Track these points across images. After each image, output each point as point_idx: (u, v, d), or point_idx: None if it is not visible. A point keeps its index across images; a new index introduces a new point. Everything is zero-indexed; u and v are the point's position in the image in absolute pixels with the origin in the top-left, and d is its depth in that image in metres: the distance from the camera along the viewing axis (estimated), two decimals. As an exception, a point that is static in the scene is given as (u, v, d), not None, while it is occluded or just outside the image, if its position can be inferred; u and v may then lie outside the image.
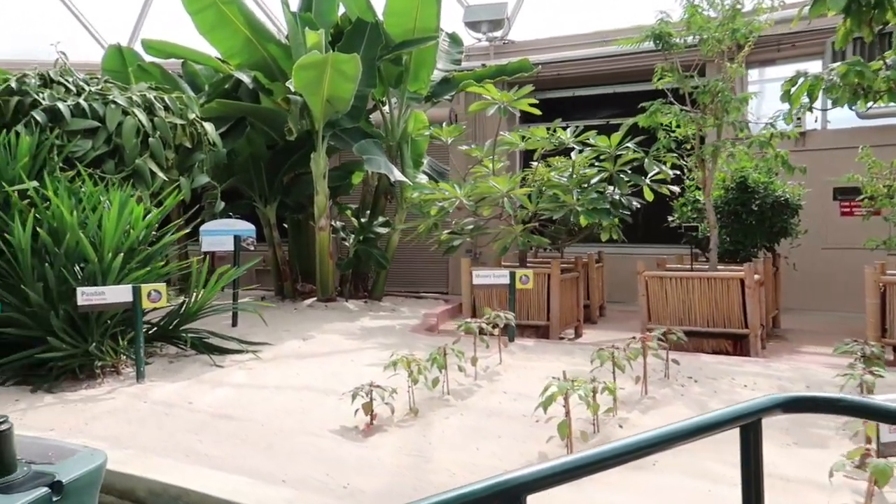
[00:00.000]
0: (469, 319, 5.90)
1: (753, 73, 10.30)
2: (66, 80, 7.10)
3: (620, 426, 4.17)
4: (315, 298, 9.58)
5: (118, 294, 5.35)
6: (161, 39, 10.22)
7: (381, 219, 10.36)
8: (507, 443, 3.99)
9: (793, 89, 5.44)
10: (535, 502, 1.39)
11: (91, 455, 2.38)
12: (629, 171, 7.94)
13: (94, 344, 5.45)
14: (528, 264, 8.25)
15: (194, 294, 6.28)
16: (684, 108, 7.01)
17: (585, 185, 7.79)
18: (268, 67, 9.74)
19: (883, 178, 7.17)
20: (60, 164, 6.25)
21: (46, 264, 5.39)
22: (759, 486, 1.74)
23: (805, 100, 5.50)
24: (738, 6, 6.82)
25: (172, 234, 6.36)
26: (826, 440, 3.83)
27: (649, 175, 7.77)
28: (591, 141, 7.94)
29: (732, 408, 1.70)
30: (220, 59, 10.13)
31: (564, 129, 8.35)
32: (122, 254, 5.60)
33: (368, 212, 10.44)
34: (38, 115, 6.45)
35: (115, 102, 6.90)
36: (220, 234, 7.99)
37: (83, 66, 9.01)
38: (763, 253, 8.13)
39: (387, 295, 10.30)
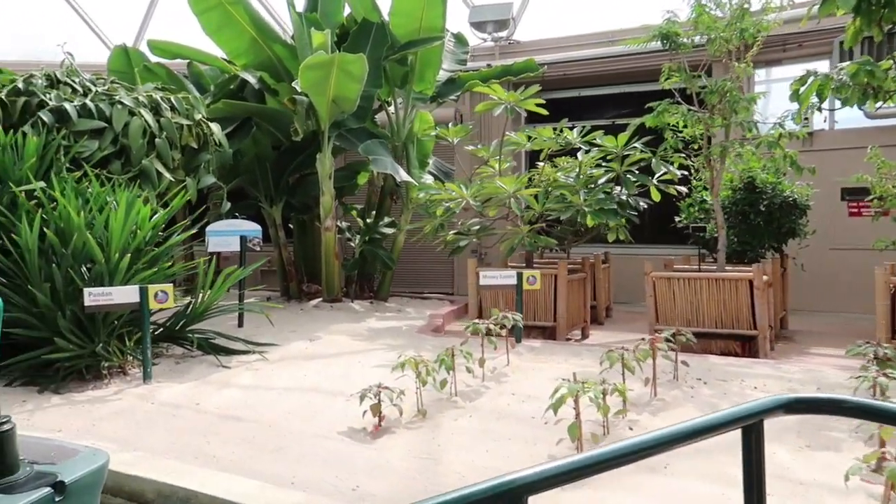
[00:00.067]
0: (477, 320, 5.87)
1: (760, 73, 10.26)
2: (73, 81, 7.10)
3: (630, 428, 4.14)
4: (321, 299, 9.57)
5: (125, 295, 5.35)
6: (167, 40, 10.23)
7: (386, 219, 10.35)
8: (516, 445, 3.97)
9: (802, 89, 5.40)
10: (550, 505, 1.37)
11: (93, 455, 2.38)
12: (636, 172, 7.91)
13: (100, 345, 5.45)
14: (534, 265, 8.22)
15: (201, 295, 6.27)
16: (692, 108, 6.98)
17: (592, 186, 7.76)
18: (273, 68, 9.73)
19: (892, 178, 7.13)
20: (67, 165, 6.25)
21: (53, 265, 5.38)
22: (760, 488, 1.73)
23: (814, 99, 5.47)
24: (746, 6, 6.78)
25: (179, 234, 6.36)
26: (839, 443, 3.80)
27: (656, 175, 7.74)
28: (598, 141, 7.90)
29: (734, 409, 1.69)
30: (225, 59, 10.13)
31: (571, 129, 8.32)
32: (129, 254, 5.59)
33: (374, 212, 10.43)
34: (45, 116, 6.45)
35: (121, 103, 6.90)
36: (227, 234, 7.99)
37: (89, 67, 9.01)
38: (771, 253, 8.09)
39: (392, 295, 10.28)
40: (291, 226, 10.76)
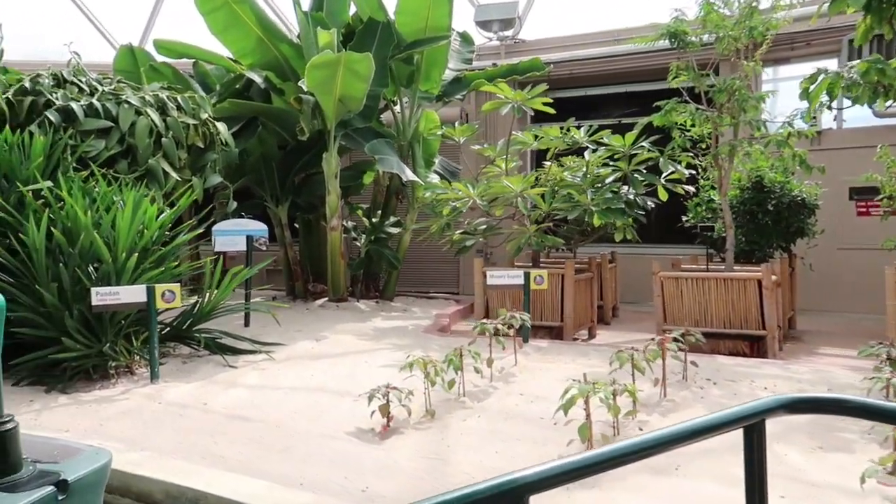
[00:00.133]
0: (485, 320, 5.84)
1: (767, 72, 10.20)
2: (80, 80, 7.10)
3: (640, 429, 4.11)
4: (326, 298, 9.56)
5: (132, 294, 5.34)
6: (172, 39, 10.23)
7: (392, 219, 10.33)
8: (525, 445, 3.94)
9: (812, 87, 5.36)
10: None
11: (96, 454, 2.38)
12: (644, 171, 7.87)
13: (107, 344, 5.44)
14: (540, 264, 8.19)
15: (207, 294, 6.27)
16: (700, 106, 6.94)
17: (599, 185, 7.72)
18: (279, 67, 9.72)
19: (903, 177, 7.08)
20: (74, 164, 6.25)
21: (61, 264, 5.37)
22: (762, 488, 1.72)
23: (824, 98, 5.43)
24: (755, 4, 6.74)
25: (185, 234, 6.35)
26: (851, 445, 3.76)
27: (664, 175, 7.70)
28: (606, 140, 7.87)
29: (735, 408, 1.68)
30: (231, 58, 10.12)
31: (578, 128, 8.29)
32: (136, 254, 5.59)
33: (380, 212, 10.41)
34: (52, 115, 6.45)
35: (128, 102, 6.89)
36: (233, 234, 7.98)
37: (94, 67, 9.01)
38: (779, 253, 8.05)
39: (397, 295, 10.27)
40: (297, 225, 10.76)
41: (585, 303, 7.95)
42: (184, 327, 6.26)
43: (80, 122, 6.56)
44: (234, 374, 5.69)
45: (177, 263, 6.28)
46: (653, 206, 7.84)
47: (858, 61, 5.23)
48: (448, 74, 10.22)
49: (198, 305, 6.26)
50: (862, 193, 8.68)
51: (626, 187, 7.81)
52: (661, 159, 7.53)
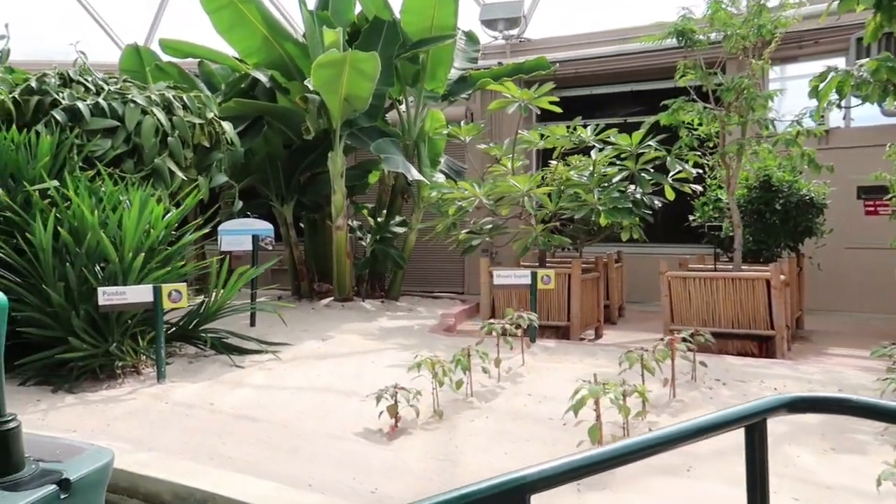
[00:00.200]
0: (492, 320, 5.82)
1: (775, 71, 10.14)
2: (86, 80, 7.10)
3: (650, 430, 4.07)
4: (332, 298, 9.54)
5: (139, 294, 5.33)
6: (178, 39, 10.23)
7: (397, 218, 10.31)
8: (534, 446, 3.92)
9: (821, 85, 5.32)
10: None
11: (98, 453, 2.38)
12: (651, 170, 7.84)
13: (114, 344, 5.43)
14: (547, 264, 8.16)
15: (213, 294, 6.25)
16: (707, 105, 6.90)
17: (606, 184, 7.69)
18: (285, 66, 9.71)
19: (912, 176, 7.03)
20: (80, 164, 6.24)
21: (67, 264, 5.37)
22: (764, 488, 1.70)
23: (834, 96, 5.39)
24: (763, 1, 6.70)
25: (191, 233, 6.34)
26: (864, 446, 3.73)
27: (671, 174, 7.67)
28: (612, 139, 7.84)
29: (736, 408, 1.66)
30: (236, 58, 10.11)
31: (584, 127, 8.25)
32: (142, 253, 5.58)
33: (385, 211, 10.40)
34: (58, 115, 6.45)
35: (134, 102, 6.89)
36: (239, 233, 7.97)
37: (100, 66, 8.99)
38: (787, 253, 8.00)
39: (403, 295, 10.25)
40: (303, 225, 10.74)
41: (592, 302, 7.92)
42: (190, 327, 6.25)
43: (87, 122, 6.55)
44: (240, 373, 5.68)
45: (183, 263, 6.28)
46: (660, 205, 7.81)
47: (868, 59, 5.19)
48: (454, 73, 10.20)
49: (204, 305, 6.25)
50: (870, 192, 8.63)
51: (632, 186, 7.78)
52: (669, 158, 7.50)
